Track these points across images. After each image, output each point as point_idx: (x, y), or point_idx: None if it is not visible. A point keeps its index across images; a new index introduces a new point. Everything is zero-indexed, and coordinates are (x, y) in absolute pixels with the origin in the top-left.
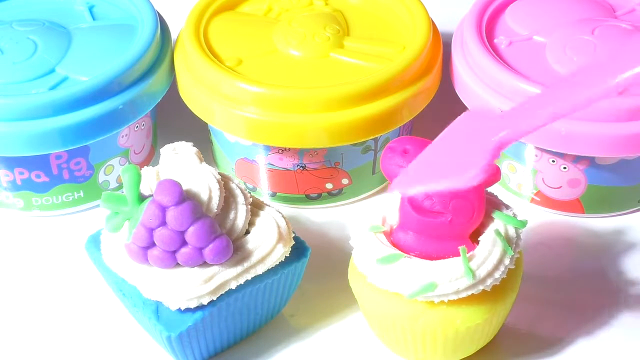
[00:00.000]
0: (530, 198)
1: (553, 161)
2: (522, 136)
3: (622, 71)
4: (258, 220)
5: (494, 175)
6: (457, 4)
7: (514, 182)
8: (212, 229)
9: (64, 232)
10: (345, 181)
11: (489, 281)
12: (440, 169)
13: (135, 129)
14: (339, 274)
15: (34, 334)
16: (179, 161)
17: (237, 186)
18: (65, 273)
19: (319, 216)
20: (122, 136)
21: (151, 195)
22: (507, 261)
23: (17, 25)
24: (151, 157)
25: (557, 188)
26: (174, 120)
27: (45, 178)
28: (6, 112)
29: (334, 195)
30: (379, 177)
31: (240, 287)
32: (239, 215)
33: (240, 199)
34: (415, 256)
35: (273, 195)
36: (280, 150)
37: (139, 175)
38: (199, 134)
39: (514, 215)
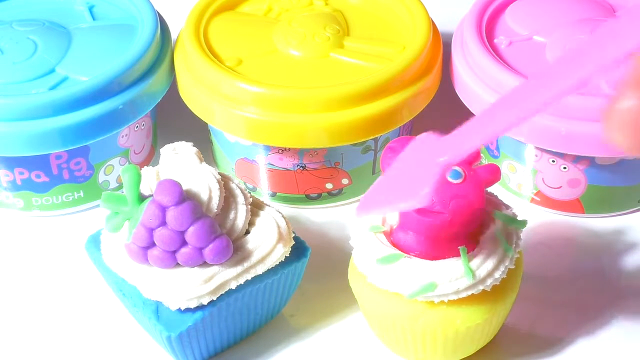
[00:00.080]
0: (530, 198)
1: (553, 161)
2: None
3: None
4: (258, 220)
5: (494, 175)
6: (457, 4)
7: (514, 182)
8: (212, 229)
9: (64, 232)
10: (345, 181)
11: (489, 281)
12: (395, 192)
13: (135, 129)
14: (339, 274)
15: (34, 334)
16: (179, 161)
17: (237, 186)
18: (65, 273)
19: (319, 216)
20: (122, 136)
21: (151, 195)
22: (507, 261)
23: (17, 25)
24: (151, 157)
25: (557, 188)
26: (174, 120)
27: (45, 178)
28: (6, 112)
29: (334, 195)
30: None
31: (240, 287)
32: (239, 215)
33: (240, 199)
34: (415, 256)
35: (273, 195)
36: (280, 150)
37: (139, 175)
38: (199, 134)
39: (514, 215)
